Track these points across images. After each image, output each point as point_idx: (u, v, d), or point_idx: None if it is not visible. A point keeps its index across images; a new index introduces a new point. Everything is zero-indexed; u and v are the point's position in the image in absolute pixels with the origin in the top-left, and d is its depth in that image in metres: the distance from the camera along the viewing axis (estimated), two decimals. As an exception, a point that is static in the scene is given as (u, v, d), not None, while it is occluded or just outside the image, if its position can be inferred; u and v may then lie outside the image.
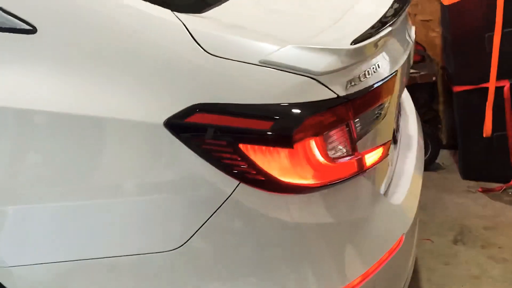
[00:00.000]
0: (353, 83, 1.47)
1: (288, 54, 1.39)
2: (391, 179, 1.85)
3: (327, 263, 1.50)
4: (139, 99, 1.37)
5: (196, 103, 1.36)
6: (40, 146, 1.41)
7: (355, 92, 1.46)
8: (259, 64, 1.38)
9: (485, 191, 3.60)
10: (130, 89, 1.37)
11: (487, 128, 3.52)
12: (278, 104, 1.37)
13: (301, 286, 1.47)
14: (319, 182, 1.44)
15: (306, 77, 1.39)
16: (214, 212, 1.40)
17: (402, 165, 1.98)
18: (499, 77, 3.45)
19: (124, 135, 1.38)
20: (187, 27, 1.38)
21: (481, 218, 3.32)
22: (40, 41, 1.40)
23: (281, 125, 1.37)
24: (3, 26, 1.41)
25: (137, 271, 1.45)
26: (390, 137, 1.76)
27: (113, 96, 1.37)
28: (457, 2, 3.43)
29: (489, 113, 3.51)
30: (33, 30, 1.40)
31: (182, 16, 1.41)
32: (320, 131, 1.41)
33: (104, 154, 1.40)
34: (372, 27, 1.60)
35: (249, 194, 1.40)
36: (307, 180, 1.43)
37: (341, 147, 1.49)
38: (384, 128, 1.70)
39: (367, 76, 1.52)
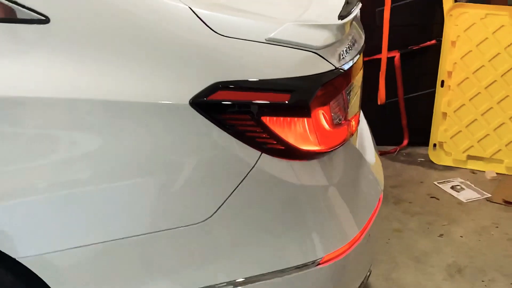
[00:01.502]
0: (342, 56, 1.62)
1: (289, 31, 1.50)
2: (357, 142, 2.03)
3: (337, 220, 1.65)
4: (163, 82, 1.42)
5: (216, 81, 1.44)
6: (74, 135, 1.43)
7: (345, 64, 1.62)
8: (266, 42, 1.48)
9: (382, 154, 3.91)
10: (153, 74, 1.42)
11: (381, 96, 3.82)
12: (292, 78, 1.49)
13: (311, 246, 1.61)
14: (327, 147, 1.58)
15: (308, 52, 1.51)
16: (240, 183, 1.50)
17: (361, 129, 2.16)
18: (390, 48, 3.76)
19: (152, 117, 1.44)
20: (194, 11, 1.46)
21: (386, 178, 3.57)
22: (54, 30, 1.41)
23: (299, 96, 1.48)
24: (17, 17, 1.41)
25: (171, 245, 1.51)
26: (359, 105, 1.93)
27: (137, 81, 1.41)
28: (349, -20, 3.68)
29: (382, 82, 3.81)
30: (46, 20, 1.41)
31: None
32: (328, 100, 1.55)
33: (135, 137, 1.44)
34: (344, 5, 1.75)
35: (270, 163, 1.51)
36: (319, 146, 1.56)
37: (338, 115, 1.63)
38: (356, 96, 1.87)
39: (350, 49, 1.68)
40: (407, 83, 3.86)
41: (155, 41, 1.43)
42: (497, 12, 3.57)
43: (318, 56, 1.53)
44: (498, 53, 3.56)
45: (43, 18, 1.40)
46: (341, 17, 1.64)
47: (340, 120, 1.64)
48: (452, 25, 3.61)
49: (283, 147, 1.51)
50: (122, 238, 1.49)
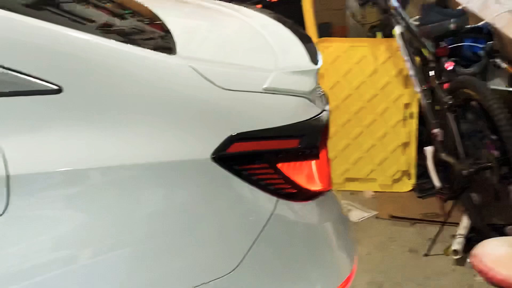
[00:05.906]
0: (321, 98, 1.73)
1: (280, 79, 1.57)
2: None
3: (341, 252, 1.75)
4: (182, 142, 1.43)
5: (229, 135, 1.47)
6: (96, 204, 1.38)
7: (326, 105, 1.72)
8: (264, 92, 1.54)
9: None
10: (172, 135, 1.42)
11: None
12: (297, 123, 1.56)
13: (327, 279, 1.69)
14: (326, 185, 1.67)
15: (300, 97, 1.60)
16: (262, 229, 1.52)
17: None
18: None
19: (177, 175, 1.43)
20: (194, 68, 1.48)
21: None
22: (67, 100, 1.36)
23: (308, 140, 1.56)
24: (30, 89, 1.34)
25: None
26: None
27: (158, 142, 1.41)
28: None
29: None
30: (59, 90, 1.35)
31: (179, 58, 1.50)
32: (326, 140, 1.64)
33: (162, 197, 1.43)
34: (306, 48, 1.84)
35: (285, 207, 1.56)
36: (321, 185, 1.64)
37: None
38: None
39: (320, 89, 1.79)
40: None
41: (168, 103, 1.44)
42: (358, 44, 3.90)
43: (308, 101, 1.61)
44: (363, 82, 3.87)
45: (56, 88, 1.34)
46: (313, 61, 1.72)
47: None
48: (319, 59, 3.85)
49: (295, 190, 1.56)
50: None
